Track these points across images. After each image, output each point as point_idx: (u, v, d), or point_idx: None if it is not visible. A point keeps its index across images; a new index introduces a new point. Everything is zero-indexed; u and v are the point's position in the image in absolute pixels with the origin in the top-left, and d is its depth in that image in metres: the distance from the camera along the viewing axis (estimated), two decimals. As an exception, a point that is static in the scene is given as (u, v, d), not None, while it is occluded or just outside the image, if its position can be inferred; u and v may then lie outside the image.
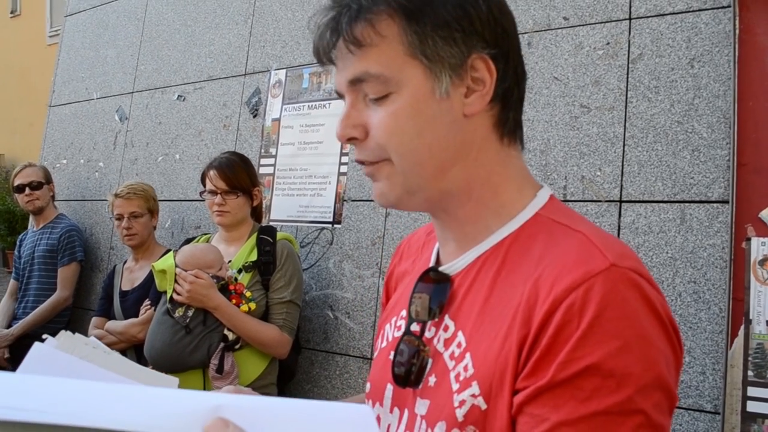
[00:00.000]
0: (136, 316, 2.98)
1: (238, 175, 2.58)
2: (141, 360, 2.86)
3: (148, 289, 2.97)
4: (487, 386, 0.75)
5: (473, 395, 0.76)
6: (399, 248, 1.11)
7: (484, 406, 0.75)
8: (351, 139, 0.83)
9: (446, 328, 0.84)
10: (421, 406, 0.83)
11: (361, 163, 0.85)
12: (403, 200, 0.85)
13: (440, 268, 0.89)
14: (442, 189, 0.84)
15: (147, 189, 3.23)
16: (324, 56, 0.84)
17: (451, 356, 0.81)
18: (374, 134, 0.81)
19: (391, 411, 0.89)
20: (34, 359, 0.72)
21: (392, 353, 0.91)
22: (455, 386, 0.78)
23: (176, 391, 0.59)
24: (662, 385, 0.70)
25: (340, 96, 0.85)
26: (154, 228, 3.29)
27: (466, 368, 0.78)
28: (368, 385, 0.97)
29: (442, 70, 0.80)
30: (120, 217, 3.13)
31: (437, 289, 0.86)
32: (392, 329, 0.96)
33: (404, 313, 0.93)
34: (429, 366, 0.83)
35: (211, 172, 2.60)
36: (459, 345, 0.81)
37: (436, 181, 0.83)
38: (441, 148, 0.81)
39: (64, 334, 0.80)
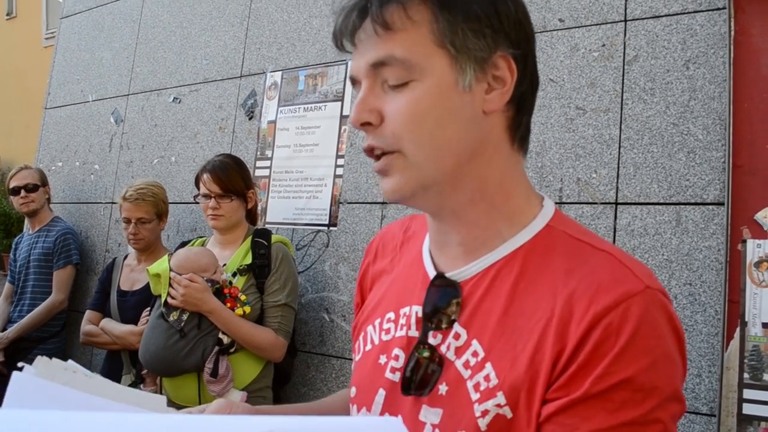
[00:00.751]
0: (135, 319, 2.96)
1: (231, 179, 2.57)
2: (135, 363, 2.85)
3: (149, 296, 2.95)
4: (515, 397, 0.76)
5: (498, 405, 0.76)
6: (371, 246, 1.08)
7: (510, 415, 0.76)
8: (365, 125, 0.81)
9: (457, 336, 0.83)
10: (432, 415, 0.82)
11: (370, 152, 0.83)
12: (418, 195, 0.82)
13: (447, 275, 0.87)
14: (457, 186, 0.82)
15: (157, 192, 3.16)
16: (346, 39, 0.82)
17: (466, 365, 0.81)
18: (391, 121, 0.79)
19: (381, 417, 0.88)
20: (17, 391, 0.69)
21: (382, 356, 0.90)
22: (475, 396, 0.78)
23: (224, 417, 0.59)
24: (678, 396, 0.75)
25: (354, 83, 0.84)
26: (162, 230, 3.26)
27: (487, 378, 0.78)
28: (353, 389, 0.95)
29: (468, 63, 0.79)
30: (128, 221, 3.09)
31: (440, 294, 0.86)
32: (378, 332, 0.94)
33: (392, 315, 0.92)
34: (439, 375, 0.82)
35: (205, 176, 2.58)
36: (475, 354, 0.80)
37: (452, 177, 0.81)
38: (459, 142, 0.80)
39: (41, 360, 0.77)
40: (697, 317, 2.04)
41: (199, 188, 2.63)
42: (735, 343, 1.97)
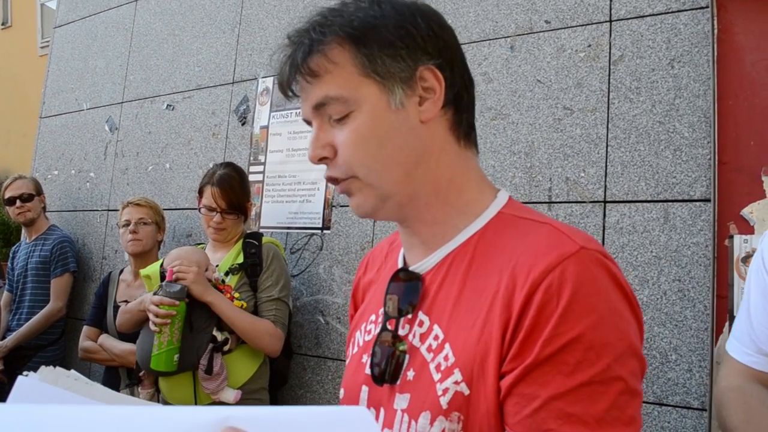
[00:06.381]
0: (132, 336, 2.93)
1: (237, 195, 2.60)
2: (131, 372, 2.85)
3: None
4: (469, 372, 0.80)
5: (456, 382, 0.80)
6: (364, 260, 1.17)
7: (467, 392, 0.79)
8: (322, 159, 0.90)
9: (421, 324, 0.88)
10: (401, 401, 0.86)
11: (332, 181, 0.91)
12: (378, 208, 0.90)
13: (410, 268, 0.94)
14: (411, 193, 0.90)
15: (156, 204, 3.26)
16: (288, 90, 0.91)
17: (429, 349, 0.85)
18: (341, 151, 0.88)
19: None
20: (20, 394, 0.72)
21: (364, 356, 0.94)
22: (437, 376, 0.82)
23: (185, 407, 0.62)
24: (634, 352, 0.77)
25: (309, 123, 0.92)
26: (159, 243, 3.27)
27: (446, 358, 0.82)
28: (342, 392, 0.99)
29: (395, 84, 0.87)
30: (127, 223, 3.11)
31: (407, 288, 0.91)
32: (362, 334, 0.99)
33: (373, 317, 0.98)
34: (406, 362, 0.87)
35: (213, 189, 2.58)
36: (436, 338, 0.85)
37: (404, 186, 0.89)
38: (404, 155, 0.88)
39: (45, 369, 0.81)
40: (687, 313, 2.06)
41: (202, 197, 2.64)
42: (724, 337, 1.98)
